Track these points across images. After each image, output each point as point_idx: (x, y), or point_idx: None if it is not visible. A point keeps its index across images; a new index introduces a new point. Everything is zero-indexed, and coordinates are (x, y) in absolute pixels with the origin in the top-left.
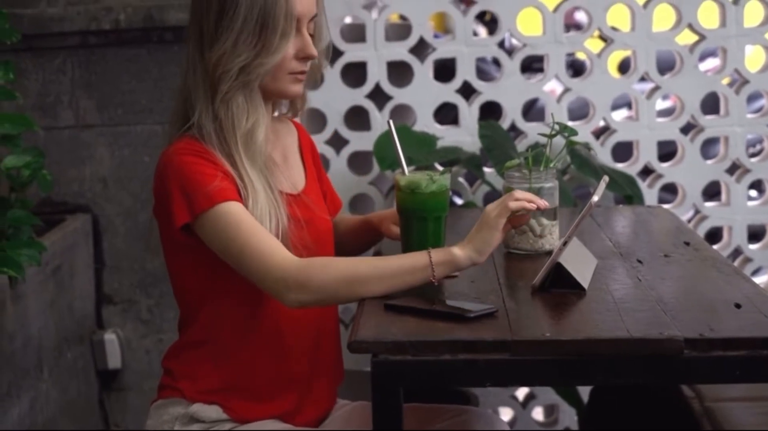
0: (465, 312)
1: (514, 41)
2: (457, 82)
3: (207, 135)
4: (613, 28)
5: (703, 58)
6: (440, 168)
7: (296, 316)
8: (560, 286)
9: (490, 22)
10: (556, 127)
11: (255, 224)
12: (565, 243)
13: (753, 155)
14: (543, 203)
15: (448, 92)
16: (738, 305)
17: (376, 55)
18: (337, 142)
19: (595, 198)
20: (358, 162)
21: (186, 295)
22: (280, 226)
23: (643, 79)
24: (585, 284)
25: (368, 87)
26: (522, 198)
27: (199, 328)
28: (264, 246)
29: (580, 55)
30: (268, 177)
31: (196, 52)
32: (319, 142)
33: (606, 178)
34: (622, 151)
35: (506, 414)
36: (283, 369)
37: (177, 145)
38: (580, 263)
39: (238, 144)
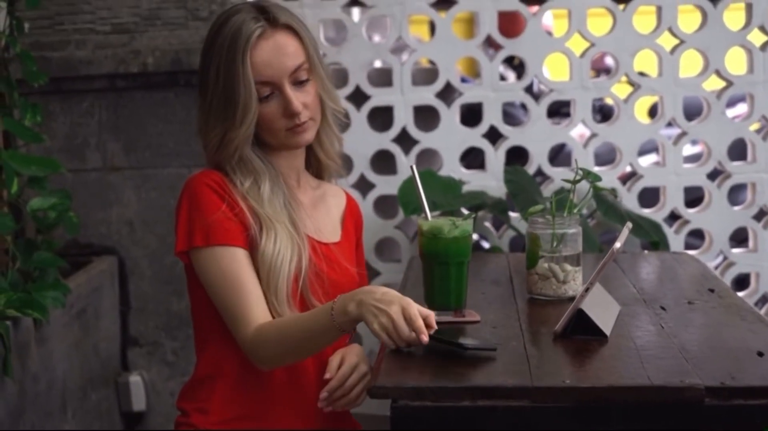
0: (462, 347)
1: (543, 86)
2: (483, 127)
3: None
4: (641, 74)
5: (730, 104)
6: (466, 213)
7: None
8: (582, 333)
9: (518, 66)
10: (580, 173)
11: (241, 278)
12: (587, 290)
13: None
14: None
15: (474, 137)
16: (761, 354)
17: (403, 99)
18: (364, 186)
19: (618, 245)
20: (384, 206)
21: (197, 324)
22: (303, 263)
23: (670, 124)
24: (607, 330)
25: (395, 131)
26: (416, 328)
27: (207, 362)
28: (237, 309)
29: (609, 100)
30: (293, 215)
31: None
32: (345, 186)
33: (629, 224)
34: (649, 196)
35: None
36: (293, 398)
37: (203, 171)
38: (602, 310)
39: (245, 197)
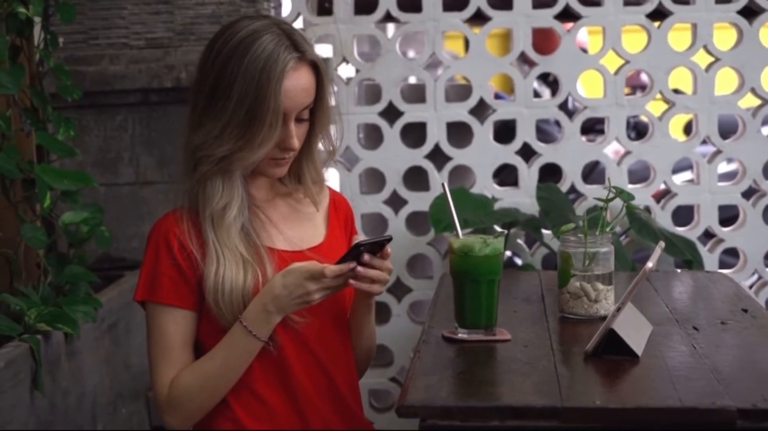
0: (357, 246)
1: (577, 103)
2: (516, 144)
3: (190, 206)
4: (676, 91)
5: (766, 122)
6: (498, 230)
7: (295, 370)
8: (613, 352)
9: (554, 83)
10: (613, 191)
11: (165, 336)
12: (618, 309)
13: None
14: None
15: (507, 154)
16: None
17: (436, 115)
18: (396, 202)
19: (650, 264)
20: (417, 222)
21: None
22: (260, 280)
23: (704, 142)
24: (638, 350)
25: (427, 147)
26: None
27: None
28: (155, 365)
29: (644, 117)
30: (251, 237)
31: (186, 129)
32: (378, 202)
33: (662, 243)
34: (683, 215)
35: None
36: (301, 418)
37: (164, 217)
38: (634, 330)
39: (206, 220)
